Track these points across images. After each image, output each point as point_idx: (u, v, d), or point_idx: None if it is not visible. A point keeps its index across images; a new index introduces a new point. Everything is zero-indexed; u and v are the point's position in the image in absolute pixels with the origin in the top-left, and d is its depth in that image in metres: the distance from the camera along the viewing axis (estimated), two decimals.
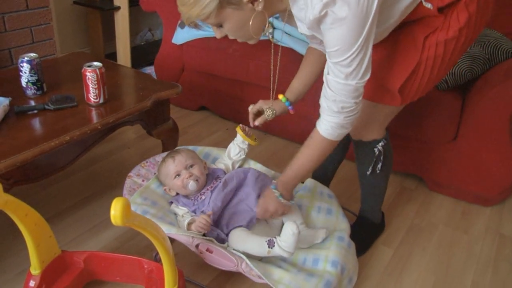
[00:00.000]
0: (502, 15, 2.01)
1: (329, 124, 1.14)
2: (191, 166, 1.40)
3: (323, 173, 1.68)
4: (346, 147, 1.62)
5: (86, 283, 1.32)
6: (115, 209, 0.83)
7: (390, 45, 1.23)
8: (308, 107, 2.02)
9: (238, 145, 1.51)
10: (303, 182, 1.54)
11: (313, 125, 1.21)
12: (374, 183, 1.49)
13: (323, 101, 1.13)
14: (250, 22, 1.06)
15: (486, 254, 1.61)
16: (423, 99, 1.74)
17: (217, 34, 1.12)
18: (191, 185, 1.37)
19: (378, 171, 1.42)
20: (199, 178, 1.39)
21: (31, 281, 1.18)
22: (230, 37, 1.14)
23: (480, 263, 1.56)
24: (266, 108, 1.40)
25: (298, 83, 1.41)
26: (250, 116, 1.42)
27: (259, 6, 1.04)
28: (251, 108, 1.42)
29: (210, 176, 1.44)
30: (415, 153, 1.90)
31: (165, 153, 1.53)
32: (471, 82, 1.80)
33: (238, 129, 1.48)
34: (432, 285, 1.45)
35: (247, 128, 1.49)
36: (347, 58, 1.01)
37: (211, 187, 1.39)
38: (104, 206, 1.70)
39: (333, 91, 1.08)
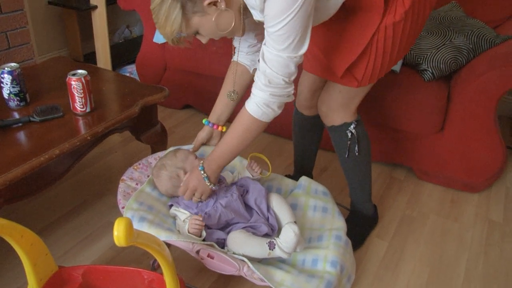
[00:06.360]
0: (483, 4, 2.03)
1: (256, 99, 1.15)
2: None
3: (304, 161, 1.75)
4: (320, 133, 1.69)
5: None
6: (118, 230, 0.82)
7: (339, 33, 1.28)
8: None
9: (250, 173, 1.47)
10: (297, 180, 1.53)
11: None
12: (355, 167, 1.53)
13: (255, 75, 1.15)
14: (220, 22, 1.11)
15: (477, 241, 1.65)
16: (409, 90, 1.78)
17: (202, 40, 1.17)
18: None
19: (356, 154, 1.47)
20: None
21: None
22: (216, 39, 1.18)
23: (472, 250, 1.60)
24: (202, 138, 1.47)
25: (219, 104, 1.46)
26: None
27: (222, 6, 1.08)
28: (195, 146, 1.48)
29: None
30: (403, 144, 1.92)
31: (157, 153, 1.52)
32: (456, 72, 1.82)
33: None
34: (427, 276, 1.48)
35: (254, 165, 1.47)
36: (281, 28, 1.03)
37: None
38: (96, 215, 1.66)
39: (266, 62, 1.10)
